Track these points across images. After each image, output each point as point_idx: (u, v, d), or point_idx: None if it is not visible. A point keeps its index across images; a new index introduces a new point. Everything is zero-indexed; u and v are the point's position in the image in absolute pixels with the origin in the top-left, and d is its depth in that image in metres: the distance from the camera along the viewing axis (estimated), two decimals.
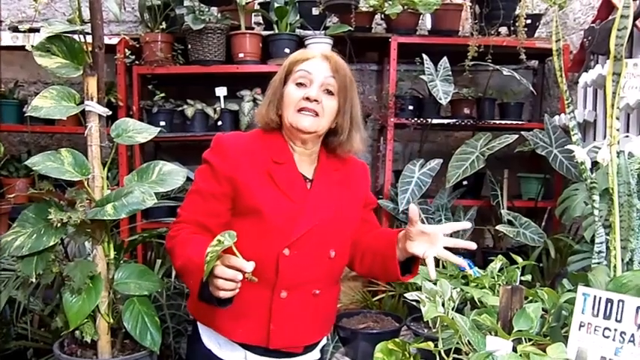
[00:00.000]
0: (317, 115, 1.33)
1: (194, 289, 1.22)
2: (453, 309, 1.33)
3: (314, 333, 1.44)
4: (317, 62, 1.36)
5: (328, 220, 1.36)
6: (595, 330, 1.09)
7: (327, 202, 1.38)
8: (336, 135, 1.42)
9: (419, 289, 1.46)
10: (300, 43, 2.86)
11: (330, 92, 1.35)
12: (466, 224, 1.35)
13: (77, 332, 1.66)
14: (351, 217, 1.44)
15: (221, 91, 2.90)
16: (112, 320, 1.70)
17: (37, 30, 2.54)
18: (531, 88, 2.92)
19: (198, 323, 1.45)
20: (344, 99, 1.37)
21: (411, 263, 1.38)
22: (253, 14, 3.03)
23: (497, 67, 2.75)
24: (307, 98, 1.32)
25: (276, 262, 1.31)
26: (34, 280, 1.63)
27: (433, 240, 1.28)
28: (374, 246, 1.42)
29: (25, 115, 2.80)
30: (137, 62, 2.82)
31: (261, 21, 3.09)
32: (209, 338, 1.43)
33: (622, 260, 1.37)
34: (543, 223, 2.82)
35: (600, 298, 1.09)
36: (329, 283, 1.43)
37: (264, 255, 1.29)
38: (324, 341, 1.54)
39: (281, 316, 1.34)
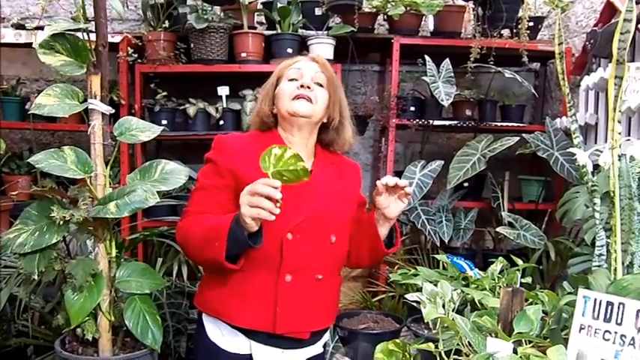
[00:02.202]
0: (310, 101, 1.44)
1: (220, 249, 1.27)
2: (453, 310, 1.34)
3: (318, 319, 1.47)
4: (305, 62, 1.51)
5: (327, 207, 1.43)
6: (595, 333, 1.09)
7: (325, 190, 1.46)
8: (329, 128, 1.52)
9: (419, 290, 1.47)
10: (302, 43, 2.87)
11: (320, 85, 1.48)
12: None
13: (78, 330, 1.67)
14: (347, 207, 1.52)
15: (223, 91, 2.90)
16: (113, 318, 1.70)
17: (41, 28, 2.54)
18: (533, 91, 2.92)
19: (203, 316, 1.48)
20: (333, 91, 1.50)
21: (393, 237, 1.52)
22: (256, 14, 3.03)
23: (500, 69, 2.75)
24: (301, 86, 1.44)
25: (280, 246, 1.37)
26: (35, 277, 1.64)
27: (392, 193, 1.43)
28: (359, 235, 1.52)
29: (28, 112, 2.80)
30: (140, 61, 2.83)
31: (264, 20, 3.09)
32: (213, 330, 1.45)
33: (622, 263, 1.37)
34: (544, 226, 2.83)
35: (601, 301, 1.10)
36: (331, 270, 1.48)
37: (269, 240, 1.33)
38: (326, 337, 1.57)
39: (286, 299, 1.39)
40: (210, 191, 1.43)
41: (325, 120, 1.51)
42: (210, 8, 2.82)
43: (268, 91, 1.51)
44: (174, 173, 1.72)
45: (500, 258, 1.79)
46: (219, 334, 1.44)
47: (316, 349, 1.51)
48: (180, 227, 1.42)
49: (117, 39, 2.77)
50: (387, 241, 1.49)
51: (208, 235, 1.31)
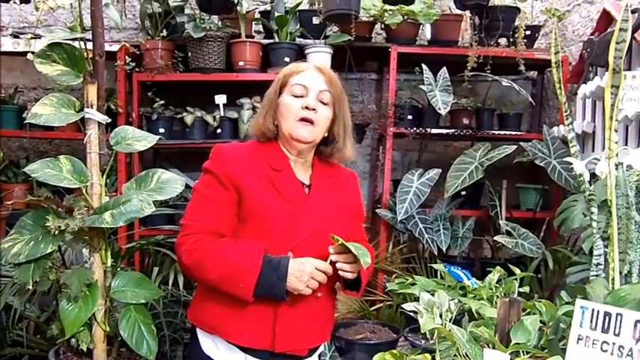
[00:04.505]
0: (313, 124, 1.40)
1: (248, 287, 1.31)
2: (450, 320, 1.33)
3: (317, 336, 1.46)
4: (311, 74, 1.44)
5: (327, 223, 1.41)
6: (593, 343, 1.08)
7: (325, 206, 1.44)
8: (331, 143, 1.49)
9: (417, 299, 1.46)
10: (300, 52, 2.87)
11: (324, 103, 1.43)
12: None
13: (73, 340, 1.65)
14: (345, 221, 1.49)
15: (220, 99, 2.90)
16: (108, 328, 1.69)
17: (38, 37, 2.55)
18: (530, 99, 2.93)
19: (197, 329, 1.45)
20: (338, 108, 1.45)
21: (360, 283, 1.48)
22: (254, 23, 3.04)
23: (497, 77, 2.76)
24: (306, 107, 1.39)
25: None
26: (30, 287, 1.63)
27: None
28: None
29: (25, 121, 2.80)
30: (137, 69, 2.83)
31: (262, 29, 3.10)
32: (207, 343, 1.43)
33: (620, 273, 1.37)
34: (542, 234, 2.82)
35: (598, 311, 1.09)
36: (329, 287, 1.47)
37: None
38: (321, 348, 1.56)
39: (286, 319, 1.37)
40: (214, 203, 1.38)
41: (326, 134, 1.47)
42: (207, 17, 2.82)
43: (271, 101, 1.45)
44: (170, 182, 1.72)
45: (498, 267, 1.78)
46: (214, 347, 1.42)
47: None
48: (188, 250, 1.35)
49: (115, 48, 2.78)
50: (352, 280, 1.45)
51: (230, 274, 1.31)
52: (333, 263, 1.37)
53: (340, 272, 1.37)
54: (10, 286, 2.03)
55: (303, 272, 1.32)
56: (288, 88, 1.43)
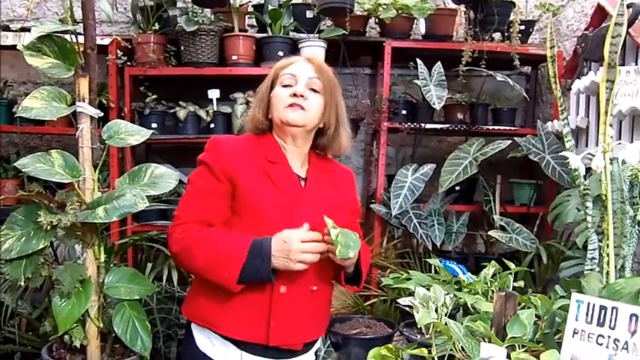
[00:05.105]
0: (304, 110, 1.40)
1: (232, 276, 1.30)
2: (446, 315, 1.33)
3: (312, 330, 1.46)
4: (301, 65, 1.46)
5: (322, 217, 1.38)
6: (589, 337, 1.08)
7: (320, 199, 1.44)
8: (324, 134, 1.49)
9: (412, 294, 1.45)
10: (293, 46, 2.86)
11: (315, 90, 1.43)
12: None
13: (66, 337, 1.64)
14: (341, 216, 1.48)
15: (214, 94, 2.88)
16: (101, 325, 1.68)
17: (28, 29, 2.51)
18: (524, 94, 2.93)
19: (192, 325, 1.45)
20: (329, 96, 1.45)
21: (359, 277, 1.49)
22: (247, 16, 3.02)
23: (491, 72, 2.76)
24: (294, 94, 1.40)
25: None
26: (22, 283, 1.61)
27: None
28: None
29: (15, 115, 2.76)
30: (129, 63, 2.80)
31: (255, 23, 3.07)
32: (202, 339, 1.43)
33: (614, 267, 1.37)
34: (535, 229, 2.83)
35: (594, 305, 1.09)
36: (325, 280, 1.47)
37: None
38: (318, 344, 1.56)
39: (281, 311, 1.37)
40: (206, 195, 1.39)
41: (321, 125, 1.47)
42: (200, 11, 2.79)
43: (263, 95, 1.48)
44: (164, 177, 1.70)
45: (493, 262, 1.78)
46: (209, 343, 1.41)
47: (308, 357, 1.49)
48: (177, 239, 1.36)
49: (106, 41, 2.75)
50: (352, 274, 1.47)
51: (217, 261, 1.31)
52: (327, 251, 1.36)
53: (335, 259, 1.35)
54: (2, 283, 2.01)
55: (290, 251, 1.30)
56: (278, 81, 1.45)
